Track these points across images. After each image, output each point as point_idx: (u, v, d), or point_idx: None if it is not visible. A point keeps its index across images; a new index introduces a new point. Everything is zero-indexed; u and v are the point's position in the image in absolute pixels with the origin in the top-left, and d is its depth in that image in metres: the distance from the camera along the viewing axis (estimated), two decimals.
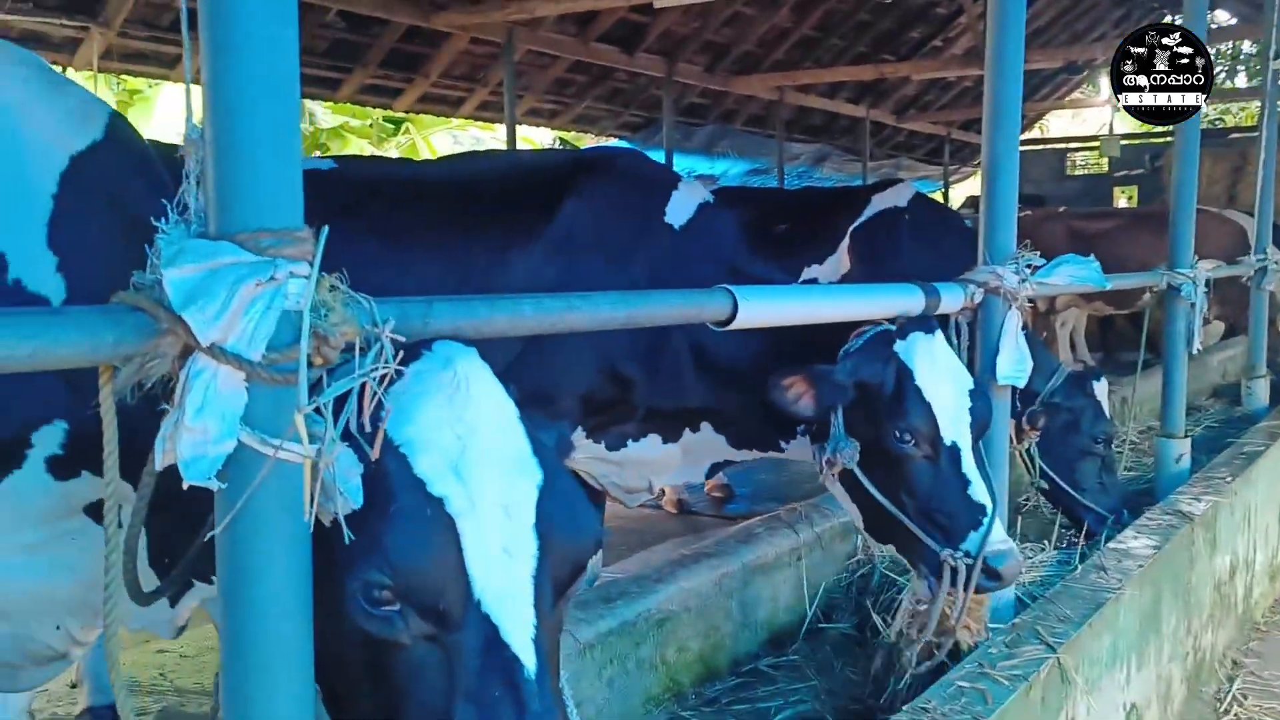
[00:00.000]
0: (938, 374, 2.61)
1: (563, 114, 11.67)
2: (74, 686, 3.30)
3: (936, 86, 15.70)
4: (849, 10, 12.10)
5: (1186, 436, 4.91)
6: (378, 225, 2.80)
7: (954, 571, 2.52)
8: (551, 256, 2.87)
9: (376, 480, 1.19)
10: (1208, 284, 4.83)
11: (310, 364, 1.13)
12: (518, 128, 10.24)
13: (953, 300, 2.96)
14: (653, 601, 3.02)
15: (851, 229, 4.78)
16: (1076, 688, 2.67)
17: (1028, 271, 3.07)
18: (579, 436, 2.97)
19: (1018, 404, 4.53)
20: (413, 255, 2.78)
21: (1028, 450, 4.33)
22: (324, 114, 17.43)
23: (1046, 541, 4.23)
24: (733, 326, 2.12)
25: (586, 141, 14.25)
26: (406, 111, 10.40)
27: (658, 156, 11.85)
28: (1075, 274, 3.19)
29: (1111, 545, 3.51)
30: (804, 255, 4.86)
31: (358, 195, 2.86)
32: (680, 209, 3.00)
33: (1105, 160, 17.91)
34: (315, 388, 1.15)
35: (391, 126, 18.59)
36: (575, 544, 1.30)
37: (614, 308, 1.87)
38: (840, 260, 4.78)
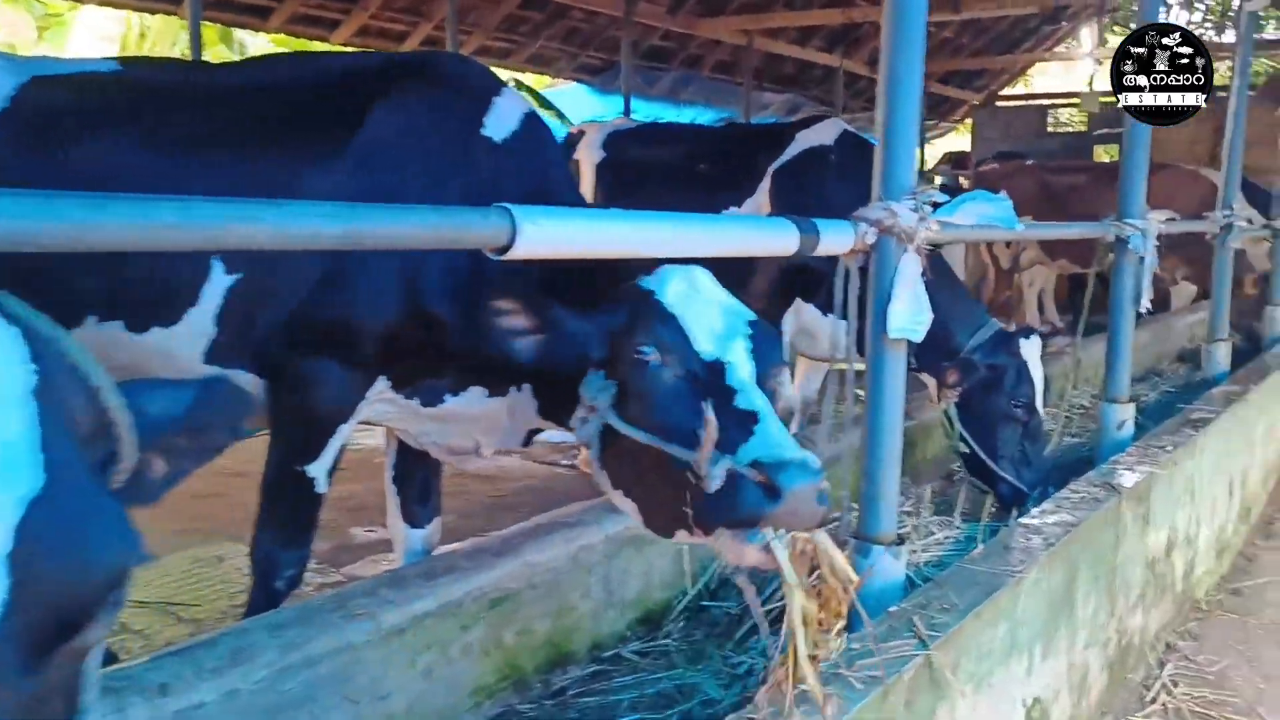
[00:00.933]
0: (695, 299, 2.26)
1: (515, 54, 11.13)
2: None
3: None
4: None
5: (1131, 401, 4.53)
6: (157, 134, 2.39)
7: (723, 496, 1.95)
8: (354, 172, 2.46)
9: None
10: (1161, 238, 4.45)
11: None
12: None
13: (838, 239, 2.56)
14: (487, 578, 2.63)
15: (773, 168, 4.36)
16: (953, 688, 2.31)
17: (928, 209, 2.66)
18: (384, 389, 2.58)
19: (943, 362, 4.18)
20: (192, 168, 2.38)
21: (945, 411, 3.98)
22: (254, 46, 16.22)
23: (955, 515, 3.87)
24: (513, 255, 1.71)
25: (543, 84, 13.73)
26: (344, 45, 9.86)
27: (616, 102, 11.37)
28: (983, 213, 2.78)
29: (1024, 521, 3.14)
30: (722, 195, 4.45)
31: (138, 100, 2.45)
32: (501, 120, 2.58)
33: (1087, 117, 17.45)
34: None
35: None
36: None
37: (328, 222, 1.47)
38: (760, 202, 4.36)
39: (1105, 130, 17.48)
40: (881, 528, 2.68)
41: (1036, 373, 4.11)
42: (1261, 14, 19.91)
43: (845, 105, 15.98)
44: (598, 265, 2.17)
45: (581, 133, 5.33)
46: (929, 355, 4.15)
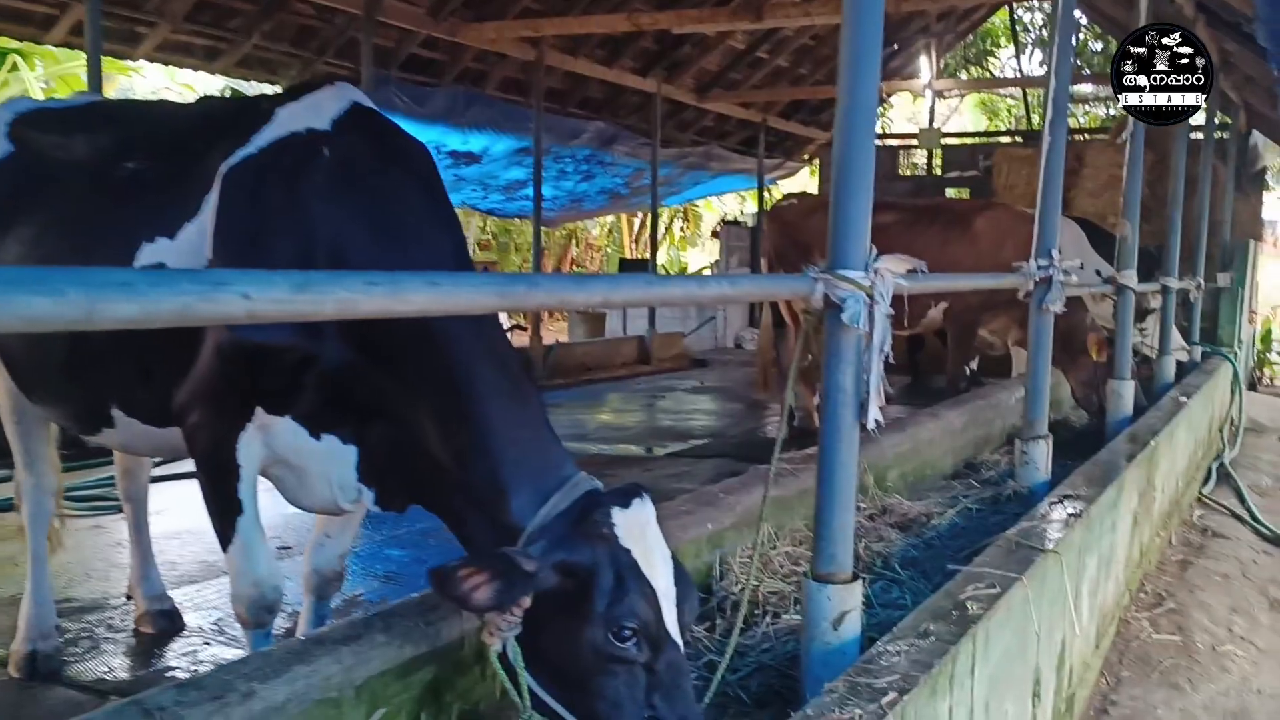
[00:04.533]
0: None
1: (224, 55, 8.99)
2: None
3: (743, 63, 13.63)
4: None
5: (857, 580, 2.69)
6: None
7: None
8: None
9: None
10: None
11: None
12: (175, 71, 7.63)
13: None
14: None
15: (226, 168, 2.41)
16: None
17: None
18: None
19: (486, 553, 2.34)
20: None
21: (498, 654, 2.14)
22: None
23: None
24: None
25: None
26: None
27: None
28: None
29: None
30: (168, 213, 2.49)
31: None
32: None
33: (941, 160, 16.28)
34: None
35: None
36: None
37: None
38: (207, 226, 2.40)
39: (958, 173, 16.35)
40: None
41: (658, 566, 2.22)
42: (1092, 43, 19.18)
43: (673, 138, 14.34)
44: None
45: None
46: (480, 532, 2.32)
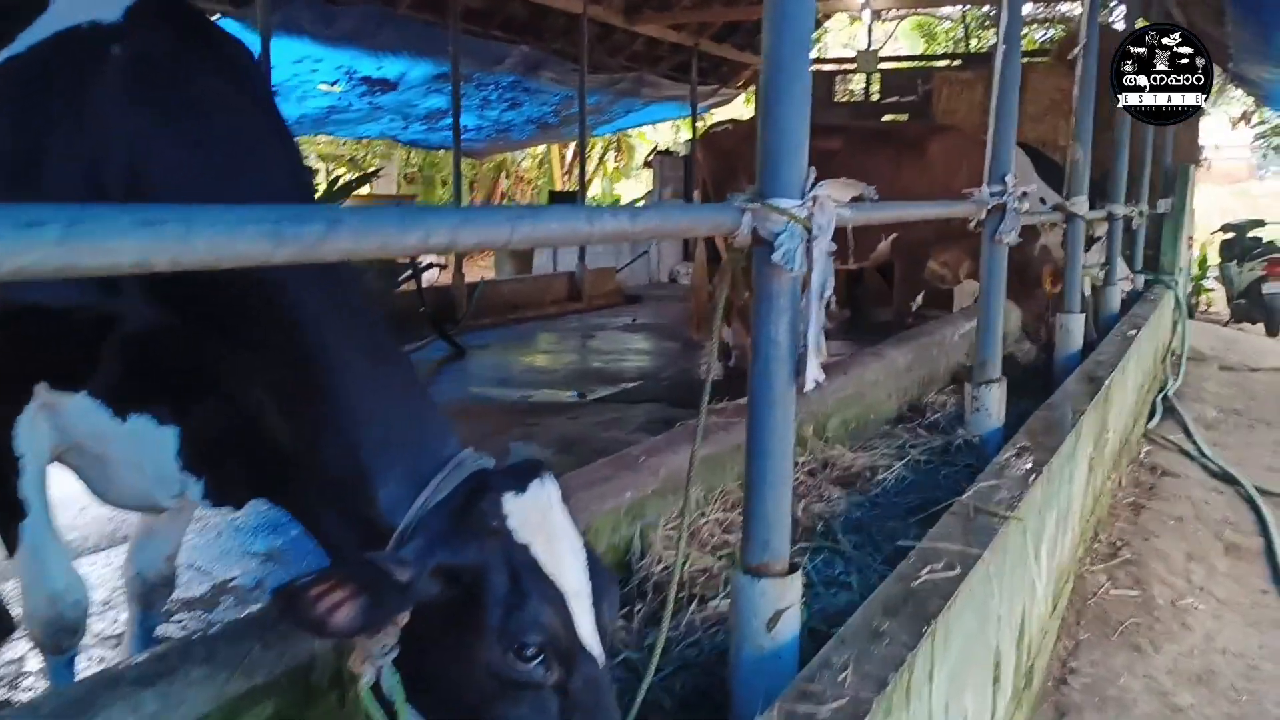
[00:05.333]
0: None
1: None
2: None
3: None
4: None
5: (794, 570, 2.27)
6: None
7: None
8: None
9: None
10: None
11: None
12: None
13: None
14: None
15: None
16: None
17: None
18: None
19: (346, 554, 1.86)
20: None
21: (363, 698, 1.66)
22: None
23: None
24: None
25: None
26: None
27: (254, 39, 8.61)
28: None
29: None
30: None
31: None
32: None
33: (878, 84, 15.79)
34: None
35: None
36: None
37: None
38: None
39: (896, 99, 15.88)
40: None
41: (566, 561, 1.74)
42: None
43: (602, 64, 13.67)
44: None
45: None
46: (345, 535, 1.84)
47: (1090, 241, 8.23)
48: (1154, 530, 5.00)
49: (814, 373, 2.12)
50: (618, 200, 24.69)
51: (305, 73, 10.59)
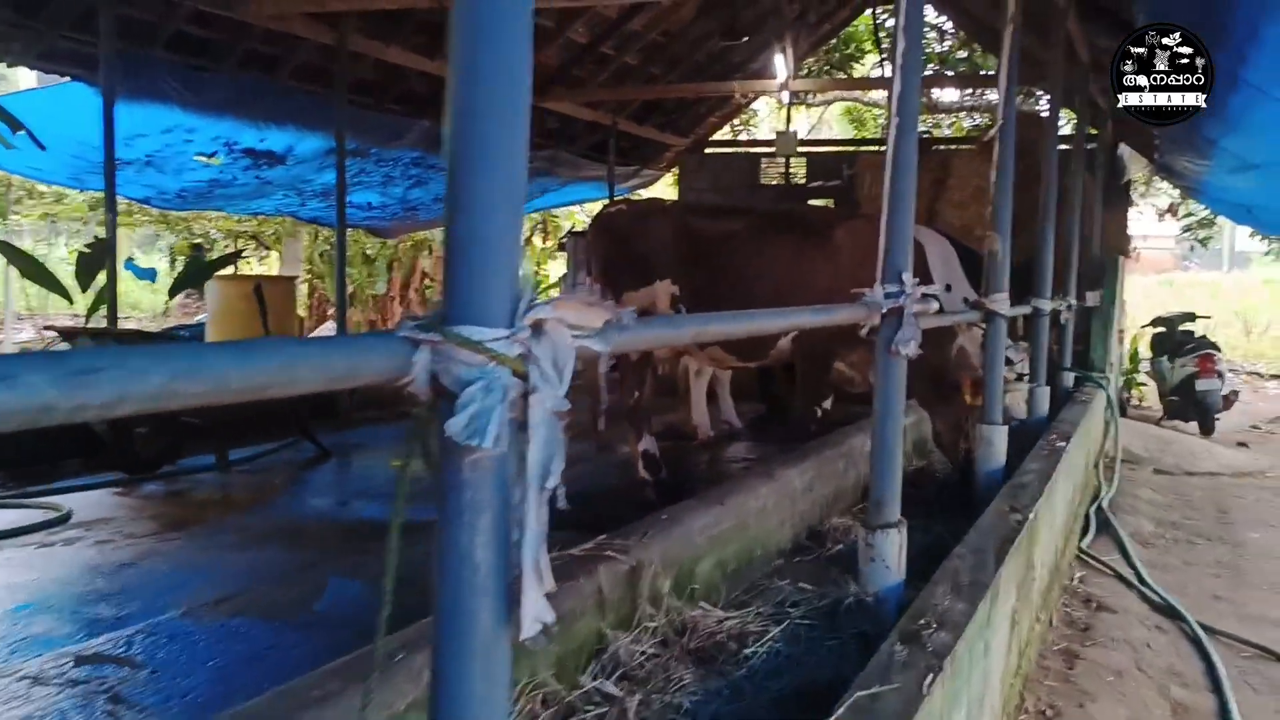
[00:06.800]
0: None
1: None
2: None
3: (587, 60, 12.39)
4: None
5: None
6: None
7: None
8: None
9: None
10: None
11: None
12: None
13: None
14: None
15: None
16: None
17: None
18: None
19: None
20: None
21: None
22: None
23: None
24: None
25: None
26: None
27: (95, 105, 7.77)
28: None
29: None
30: None
31: None
32: None
33: (802, 166, 15.36)
34: None
35: None
36: None
37: None
38: None
39: (821, 182, 15.45)
40: None
41: None
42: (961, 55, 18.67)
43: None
44: None
45: None
46: None
47: (1015, 339, 7.60)
48: (1089, 690, 4.21)
49: (535, 608, 1.29)
50: (544, 281, 23.95)
51: (178, 143, 9.72)
